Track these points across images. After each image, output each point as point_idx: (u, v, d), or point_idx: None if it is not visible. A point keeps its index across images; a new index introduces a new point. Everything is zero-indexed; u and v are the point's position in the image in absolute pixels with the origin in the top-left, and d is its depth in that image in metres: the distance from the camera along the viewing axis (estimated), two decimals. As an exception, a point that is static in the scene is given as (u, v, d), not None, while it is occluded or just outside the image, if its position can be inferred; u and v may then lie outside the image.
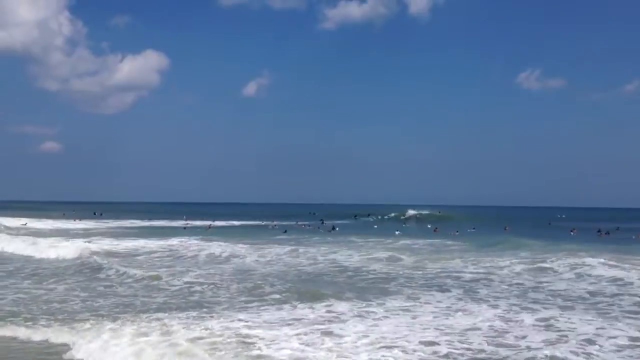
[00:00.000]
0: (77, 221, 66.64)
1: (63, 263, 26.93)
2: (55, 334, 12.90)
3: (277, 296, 16.97)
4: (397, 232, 50.64)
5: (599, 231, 53.27)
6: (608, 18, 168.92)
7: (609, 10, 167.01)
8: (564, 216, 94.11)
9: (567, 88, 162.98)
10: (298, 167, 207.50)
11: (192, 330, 12.39)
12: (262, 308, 15.29)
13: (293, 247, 31.20)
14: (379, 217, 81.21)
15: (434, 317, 14.01)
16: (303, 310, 14.77)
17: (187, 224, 65.01)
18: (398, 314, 14.30)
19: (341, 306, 15.14)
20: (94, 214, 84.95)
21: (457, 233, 49.10)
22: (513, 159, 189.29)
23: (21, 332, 13.22)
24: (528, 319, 13.61)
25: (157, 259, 27.74)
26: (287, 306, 15.45)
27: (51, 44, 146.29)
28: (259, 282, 19.42)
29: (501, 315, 14.10)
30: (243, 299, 16.88)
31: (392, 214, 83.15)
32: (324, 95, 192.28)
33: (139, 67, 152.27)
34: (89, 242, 34.90)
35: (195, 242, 35.05)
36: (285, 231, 50.41)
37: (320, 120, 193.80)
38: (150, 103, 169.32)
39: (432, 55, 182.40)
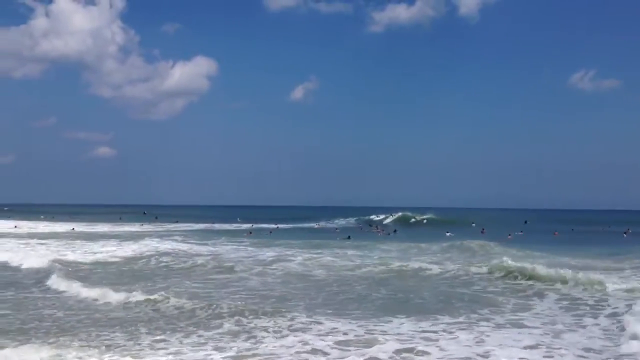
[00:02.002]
0: (142, 225, 69.61)
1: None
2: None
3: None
4: (447, 234, 51.32)
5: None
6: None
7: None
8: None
9: (621, 88, 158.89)
10: (346, 170, 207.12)
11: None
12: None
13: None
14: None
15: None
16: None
17: (252, 226, 67.17)
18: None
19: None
20: (143, 213, 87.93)
21: (510, 237, 48.81)
22: (564, 160, 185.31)
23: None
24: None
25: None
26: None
27: (105, 52, 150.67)
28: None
29: None
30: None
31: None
32: (372, 98, 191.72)
33: (189, 73, 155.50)
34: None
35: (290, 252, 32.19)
36: (349, 237, 49.32)
37: (368, 123, 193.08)
38: (199, 108, 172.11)
39: (482, 56, 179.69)
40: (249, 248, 35.93)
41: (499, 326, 14.00)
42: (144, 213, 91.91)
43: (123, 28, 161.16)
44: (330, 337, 12.73)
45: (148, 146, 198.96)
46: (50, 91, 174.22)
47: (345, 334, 13.13)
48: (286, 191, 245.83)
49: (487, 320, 14.77)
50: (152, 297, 17.42)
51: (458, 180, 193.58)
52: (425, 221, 78.79)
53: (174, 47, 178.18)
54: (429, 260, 28.21)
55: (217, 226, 69.74)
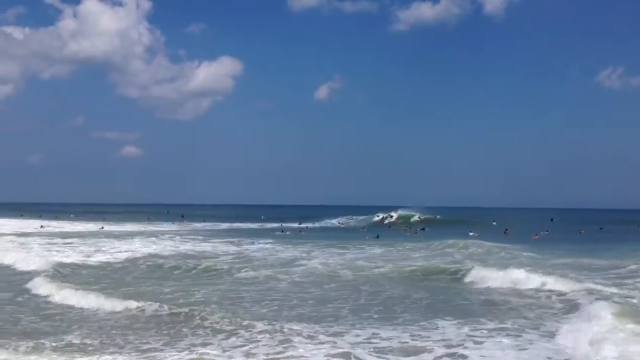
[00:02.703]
0: (177, 224, 70.64)
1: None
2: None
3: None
4: (470, 233, 51.18)
5: None
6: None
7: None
8: None
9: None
10: (370, 169, 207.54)
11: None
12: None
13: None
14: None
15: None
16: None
17: (281, 225, 67.99)
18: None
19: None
20: (166, 212, 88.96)
21: (537, 237, 48.38)
22: (592, 159, 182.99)
23: None
24: None
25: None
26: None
27: (131, 52, 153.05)
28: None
29: None
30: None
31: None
32: (396, 97, 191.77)
33: (214, 73, 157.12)
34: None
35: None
36: (378, 236, 48.86)
37: (393, 122, 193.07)
38: (224, 108, 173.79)
39: (507, 54, 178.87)
40: (278, 247, 36.22)
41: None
42: (167, 212, 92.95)
43: (149, 29, 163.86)
44: (371, 344, 12.38)
45: (174, 146, 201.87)
46: (78, 91, 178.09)
47: (389, 339, 12.81)
48: (310, 190, 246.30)
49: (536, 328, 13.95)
50: (139, 304, 16.56)
51: (482, 179, 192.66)
52: (438, 216, 77.86)
53: (200, 48, 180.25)
54: (451, 260, 28.24)
55: (243, 225, 70.42)
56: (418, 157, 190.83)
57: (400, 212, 79.60)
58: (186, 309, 15.87)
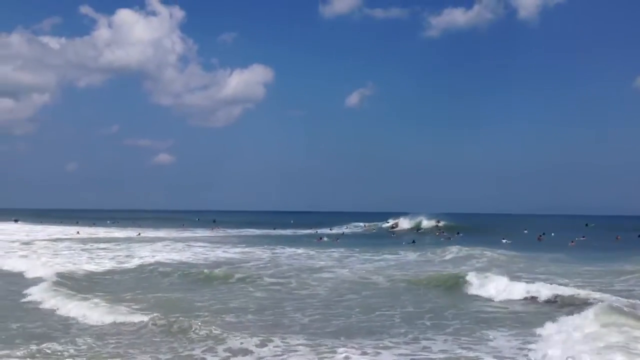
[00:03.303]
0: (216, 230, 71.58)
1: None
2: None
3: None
4: (503, 240, 51.04)
5: None
6: None
7: None
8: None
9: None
10: (401, 176, 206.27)
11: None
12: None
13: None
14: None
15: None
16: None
17: (317, 232, 68.55)
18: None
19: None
20: (197, 220, 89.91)
21: (573, 243, 47.96)
22: (628, 165, 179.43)
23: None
24: None
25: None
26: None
27: (165, 61, 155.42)
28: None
29: None
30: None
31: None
32: (429, 104, 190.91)
33: (246, 80, 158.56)
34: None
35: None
36: (414, 241, 49.21)
37: (425, 128, 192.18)
38: (256, 115, 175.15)
39: (542, 60, 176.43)
40: (314, 254, 36.40)
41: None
42: (197, 220, 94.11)
43: (182, 37, 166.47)
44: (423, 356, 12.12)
45: (206, 153, 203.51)
46: (113, 100, 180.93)
47: (443, 351, 12.71)
48: (341, 196, 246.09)
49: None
50: (138, 318, 15.78)
51: (514, 185, 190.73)
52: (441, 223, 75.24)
53: (232, 56, 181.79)
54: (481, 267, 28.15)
55: (274, 232, 71.14)
56: (451, 163, 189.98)
57: (404, 218, 78.64)
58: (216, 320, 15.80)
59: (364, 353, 12.34)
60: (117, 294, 20.55)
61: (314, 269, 28.17)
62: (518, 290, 20.11)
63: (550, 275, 24.83)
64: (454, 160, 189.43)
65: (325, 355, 12.30)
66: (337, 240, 53.88)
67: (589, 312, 14.35)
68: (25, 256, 33.35)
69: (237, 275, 25.08)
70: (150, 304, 18.70)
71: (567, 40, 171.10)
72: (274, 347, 12.97)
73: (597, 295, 18.13)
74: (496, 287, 20.65)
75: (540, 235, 56.97)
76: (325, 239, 55.00)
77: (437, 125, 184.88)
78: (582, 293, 18.79)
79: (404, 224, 76.14)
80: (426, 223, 74.05)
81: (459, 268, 28.05)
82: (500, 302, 19.30)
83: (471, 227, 71.30)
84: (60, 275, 24.47)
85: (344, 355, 12.12)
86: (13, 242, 44.60)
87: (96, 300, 18.85)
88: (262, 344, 13.11)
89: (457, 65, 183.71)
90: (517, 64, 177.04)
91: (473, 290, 21.16)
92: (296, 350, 12.72)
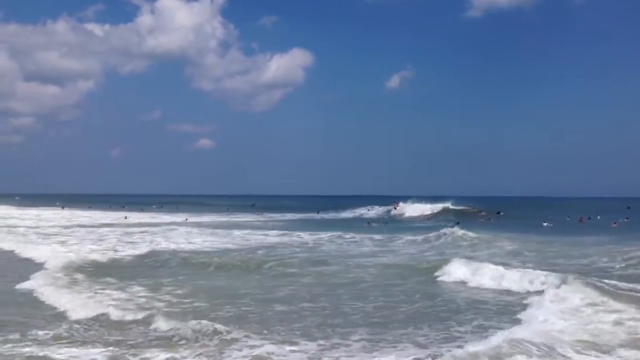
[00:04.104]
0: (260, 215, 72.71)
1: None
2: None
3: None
4: (544, 224, 51.02)
5: None
6: None
7: None
8: None
9: None
10: (444, 159, 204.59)
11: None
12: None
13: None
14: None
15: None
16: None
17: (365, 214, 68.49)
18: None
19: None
20: (252, 205, 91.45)
21: (615, 225, 47.81)
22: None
23: None
24: None
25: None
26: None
27: (206, 46, 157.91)
28: None
29: None
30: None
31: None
32: (470, 85, 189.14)
33: (286, 65, 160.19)
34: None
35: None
36: (458, 223, 49.02)
37: (467, 111, 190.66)
38: (296, 99, 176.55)
39: (587, 38, 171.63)
40: (364, 238, 35.43)
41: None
42: (253, 205, 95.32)
43: (223, 23, 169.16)
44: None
45: (246, 137, 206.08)
46: (155, 86, 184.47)
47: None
48: (381, 180, 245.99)
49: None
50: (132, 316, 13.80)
51: (559, 168, 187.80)
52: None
53: (272, 40, 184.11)
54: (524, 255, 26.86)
55: (317, 216, 72.21)
56: (494, 146, 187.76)
57: (405, 202, 77.22)
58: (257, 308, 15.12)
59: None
60: (156, 279, 20.01)
61: (362, 254, 27.94)
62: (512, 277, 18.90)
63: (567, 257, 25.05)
64: (494, 144, 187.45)
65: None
66: (386, 224, 53.94)
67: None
68: (63, 242, 32.79)
69: (281, 261, 24.30)
70: (188, 291, 17.85)
71: (613, 17, 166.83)
72: (355, 340, 11.86)
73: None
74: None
75: (582, 218, 56.73)
76: (374, 224, 54.48)
77: (479, 108, 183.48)
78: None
79: (408, 209, 74.02)
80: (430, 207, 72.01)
81: (474, 252, 27.74)
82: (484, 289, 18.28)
83: (512, 210, 71.10)
84: (70, 263, 23.15)
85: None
86: (53, 227, 45.48)
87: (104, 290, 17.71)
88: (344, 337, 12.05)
89: (500, 45, 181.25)
90: (561, 43, 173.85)
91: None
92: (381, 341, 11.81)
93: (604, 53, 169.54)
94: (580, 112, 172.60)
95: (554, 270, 19.85)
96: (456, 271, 20.40)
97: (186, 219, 60.00)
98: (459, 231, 35.51)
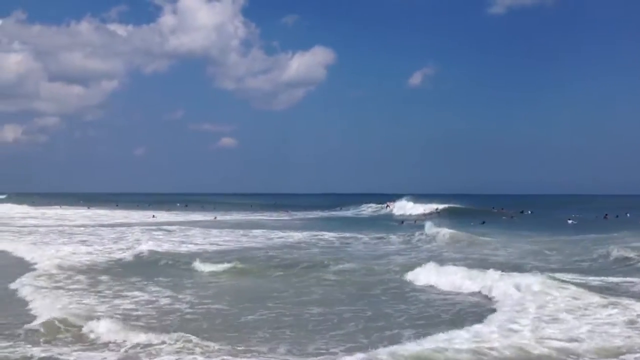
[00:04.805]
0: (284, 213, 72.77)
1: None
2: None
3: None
4: (569, 221, 50.98)
5: None
6: None
7: None
8: None
9: None
10: (466, 157, 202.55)
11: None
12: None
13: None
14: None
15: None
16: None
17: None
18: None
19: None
20: (274, 204, 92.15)
21: None
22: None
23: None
24: None
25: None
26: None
27: (228, 45, 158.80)
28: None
29: None
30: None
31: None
32: (493, 83, 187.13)
33: (308, 63, 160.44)
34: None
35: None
36: (484, 222, 48.70)
37: (489, 108, 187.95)
38: (317, 97, 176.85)
39: (612, 34, 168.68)
40: (391, 237, 34.67)
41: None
42: (251, 206, 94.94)
43: (244, 22, 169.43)
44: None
45: (268, 136, 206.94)
46: (178, 85, 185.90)
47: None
48: (404, 179, 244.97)
49: None
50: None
51: (579, 165, 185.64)
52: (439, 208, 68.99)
53: (293, 38, 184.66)
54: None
55: (341, 213, 72.69)
56: (516, 144, 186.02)
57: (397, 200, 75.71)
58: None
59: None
60: (177, 279, 19.65)
61: (388, 253, 27.80)
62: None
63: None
64: (516, 140, 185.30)
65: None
66: (415, 222, 52.67)
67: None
68: (85, 241, 32.29)
69: (308, 261, 23.39)
70: (212, 292, 17.32)
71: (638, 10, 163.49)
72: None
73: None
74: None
75: (607, 215, 56.59)
76: (403, 222, 53.39)
77: (499, 105, 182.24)
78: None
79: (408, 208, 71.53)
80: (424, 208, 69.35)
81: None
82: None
83: (536, 209, 70.57)
84: (60, 265, 22.22)
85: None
86: (78, 226, 45.09)
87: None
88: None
89: (523, 42, 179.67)
90: (585, 40, 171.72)
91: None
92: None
93: (629, 50, 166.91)
94: (606, 109, 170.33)
95: (571, 271, 20.09)
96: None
97: (215, 218, 60.30)
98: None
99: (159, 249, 27.84)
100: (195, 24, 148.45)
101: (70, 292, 17.12)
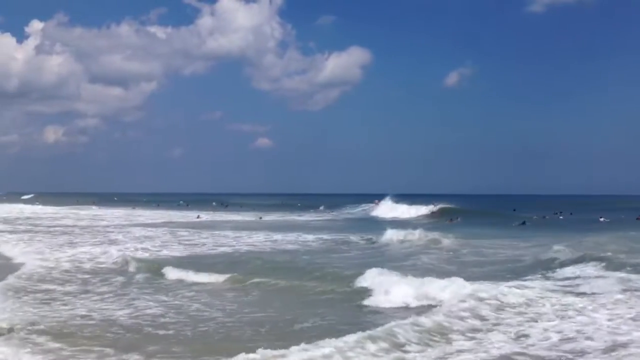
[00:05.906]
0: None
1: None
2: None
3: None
4: (601, 219, 51.76)
5: None
6: None
7: None
8: None
9: None
10: (504, 158, 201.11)
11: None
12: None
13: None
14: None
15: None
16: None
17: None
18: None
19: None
20: (298, 205, 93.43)
21: None
22: None
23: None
24: None
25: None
26: None
27: (264, 47, 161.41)
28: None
29: None
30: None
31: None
32: (531, 83, 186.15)
33: (344, 63, 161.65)
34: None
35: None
36: (524, 222, 49.01)
37: (528, 109, 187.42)
38: (353, 98, 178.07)
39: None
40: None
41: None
42: (299, 205, 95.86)
43: (281, 23, 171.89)
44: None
45: (304, 136, 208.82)
46: (216, 86, 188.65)
47: None
48: (440, 179, 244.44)
49: None
50: None
51: (620, 165, 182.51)
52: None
53: (329, 39, 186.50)
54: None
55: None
56: (556, 145, 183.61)
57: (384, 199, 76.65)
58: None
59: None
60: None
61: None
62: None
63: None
64: (555, 141, 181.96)
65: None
66: (455, 220, 52.52)
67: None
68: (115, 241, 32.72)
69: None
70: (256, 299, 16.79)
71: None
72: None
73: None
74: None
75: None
76: (452, 220, 52.11)
77: (537, 105, 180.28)
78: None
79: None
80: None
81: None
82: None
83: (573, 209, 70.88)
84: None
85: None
86: (107, 226, 45.63)
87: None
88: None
89: (563, 41, 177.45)
90: (629, 39, 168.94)
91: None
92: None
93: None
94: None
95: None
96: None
97: (260, 218, 61.52)
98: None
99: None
100: (233, 25, 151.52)
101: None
